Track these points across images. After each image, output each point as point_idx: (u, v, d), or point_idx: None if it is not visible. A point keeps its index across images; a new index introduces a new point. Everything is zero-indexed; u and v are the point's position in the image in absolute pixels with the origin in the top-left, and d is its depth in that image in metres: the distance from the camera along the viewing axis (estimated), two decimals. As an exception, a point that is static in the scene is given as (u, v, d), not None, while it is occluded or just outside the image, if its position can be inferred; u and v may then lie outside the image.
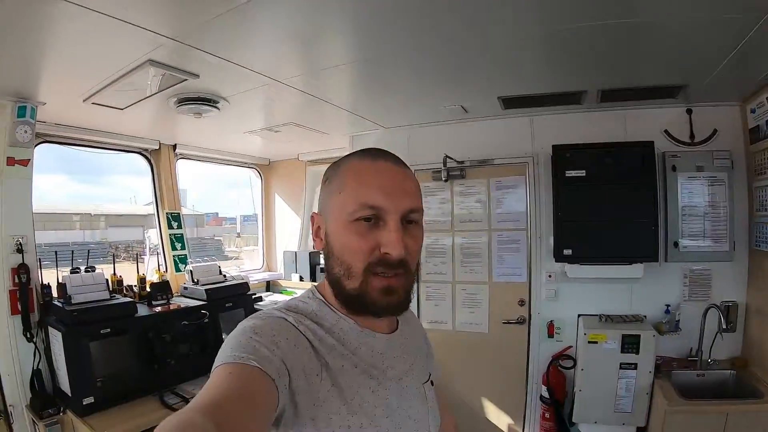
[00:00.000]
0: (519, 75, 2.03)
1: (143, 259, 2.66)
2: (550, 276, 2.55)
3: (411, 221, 0.66)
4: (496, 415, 2.73)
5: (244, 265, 3.90)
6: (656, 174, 2.33)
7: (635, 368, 2.23)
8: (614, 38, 1.60)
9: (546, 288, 2.56)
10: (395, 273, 0.64)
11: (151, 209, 2.86)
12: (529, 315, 2.61)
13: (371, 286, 0.64)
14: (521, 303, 2.62)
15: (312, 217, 0.72)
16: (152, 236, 2.87)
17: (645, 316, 2.42)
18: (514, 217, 2.61)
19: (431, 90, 2.22)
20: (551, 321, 2.57)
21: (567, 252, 2.35)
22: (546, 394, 2.53)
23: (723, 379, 2.30)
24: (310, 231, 0.73)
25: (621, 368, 2.24)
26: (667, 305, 2.42)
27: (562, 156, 2.39)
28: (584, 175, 2.34)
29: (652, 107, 2.47)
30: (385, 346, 0.71)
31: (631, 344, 2.23)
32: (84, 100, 2.03)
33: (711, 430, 1.93)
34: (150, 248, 2.86)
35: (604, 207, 2.32)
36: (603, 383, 2.26)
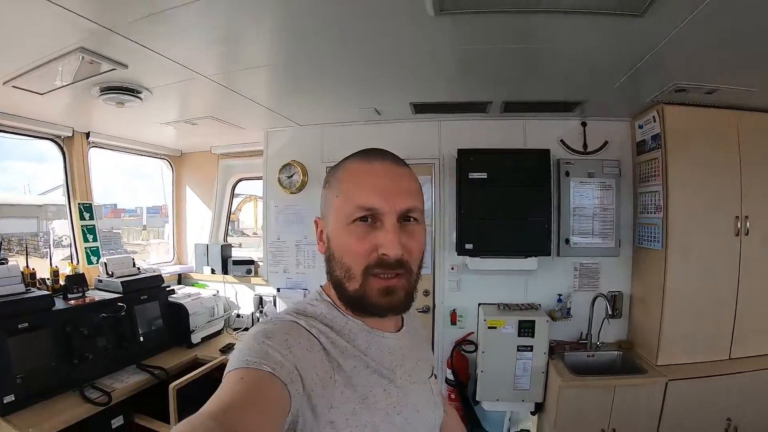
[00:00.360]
0: (430, 84, 2.41)
1: (45, 252, 2.88)
2: (452, 268, 3.03)
3: (410, 219, 0.73)
4: None
5: (149, 258, 4.14)
6: (551, 178, 2.83)
7: (531, 350, 2.74)
8: (519, 59, 2.00)
9: (449, 279, 3.05)
10: (395, 273, 0.71)
11: (47, 199, 3.01)
12: (434, 304, 3.11)
13: (370, 287, 0.71)
14: (426, 293, 3.10)
15: (315, 221, 0.81)
16: (56, 227, 3.09)
17: (540, 305, 2.95)
18: (421, 214, 3.05)
19: (347, 93, 2.56)
20: (454, 309, 3.07)
21: (468, 246, 2.82)
22: (451, 377, 3.02)
23: (611, 359, 2.89)
24: (315, 234, 0.82)
25: (518, 350, 2.75)
26: (560, 294, 2.98)
27: (467, 159, 2.82)
28: (486, 177, 2.79)
29: (550, 119, 2.97)
30: (394, 345, 0.80)
31: (526, 329, 2.74)
32: (5, 83, 2.13)
33: (601, 402, 2.50)
34: (54, 240, 3.07)
35: (503, 206, 2.79)
36: (503, 364, 2.76)
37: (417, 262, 0.76)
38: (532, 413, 2.88)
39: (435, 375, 0.93)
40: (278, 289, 3.30)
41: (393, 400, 0.74)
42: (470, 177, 2.80)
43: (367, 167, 0.74)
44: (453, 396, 3.05)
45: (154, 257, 4.12)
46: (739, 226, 2.60)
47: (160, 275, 3.01)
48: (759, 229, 2.62)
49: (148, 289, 2.85)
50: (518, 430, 3.04)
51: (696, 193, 2.59)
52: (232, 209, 4.06)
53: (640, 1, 1.44)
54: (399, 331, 0.84)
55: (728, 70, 2.10)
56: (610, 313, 2.79)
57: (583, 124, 2.98)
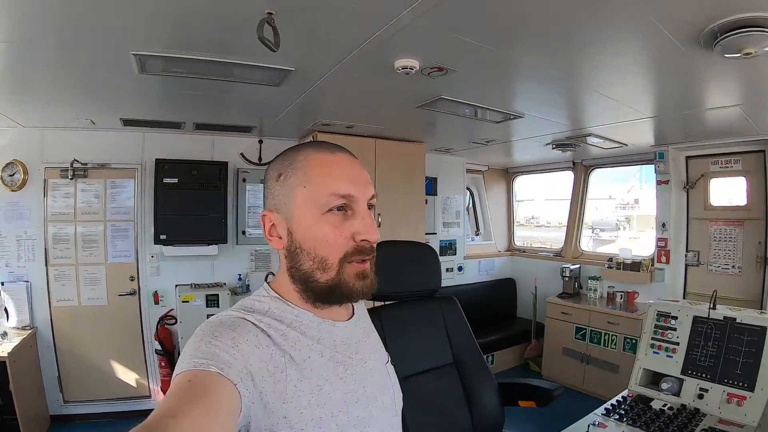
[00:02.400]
0: (137, 108, 4.03)
1: None
2: (152, 256, 5.02)
3: (371, 206, 1.04)
4: (124, 373, 4.95)
5: None
6: (228, 184, 5.07)
7: None
8: (207, 99, 3.64)
9: (150, 265, 5.03)
10: (367, 258, 1.01)
11: None
12: (139, 287, 4.95)
13: (347, 274, 0.99)
14: (132, 278, 5.01)
15: (263, 216, 1.06)
16: None
17: (225, 283, 5.12)
18: (124, 211, 4.99)
19: (66, 108, 3.95)
20: (156, 291, 4.99)
21: (162, 237, 4.85)
22: (159, 348, 4.94)
23: None
24: (262, 230, 1.07)
25: (208, 318, 4.87)
26: (239, 274, 5.22)
27: (162, 167, 4.88)
28: (176, 182, 4.90)
29: (234, 136, 5.22)
30: (347, 333, 1.10)
31: (212, 301, 4.82)
32: None
33: None
34: None
35: (190, 205, 4.89)
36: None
37: None
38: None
39: (390, 361, 1.24)
40: (2, 283, 4.51)
41: (350, 387, 1.01)
42: (164, 181, 4.86)
43: (334, 157, 1.03)
44: (163, 364, 4.95)
45: None
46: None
47: None
48: (387, 222, 5.15)
49: None
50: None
51: (339, 198, 5.01)
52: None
53: (276, 79, 3.04)
54: (351, 319, 1.14)
55: (355, 117, 4.43)
56: (280, 287, 5.12)
57: (260, 142, 5.33)
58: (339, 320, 1.09)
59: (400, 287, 2.74)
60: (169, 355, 4.97)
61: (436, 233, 6.52)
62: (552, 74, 3.11)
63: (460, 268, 7.11)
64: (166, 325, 5.06)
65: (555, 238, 8.45)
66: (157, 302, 5.09)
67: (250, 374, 0.85)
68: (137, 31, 2.38)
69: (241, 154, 5.27)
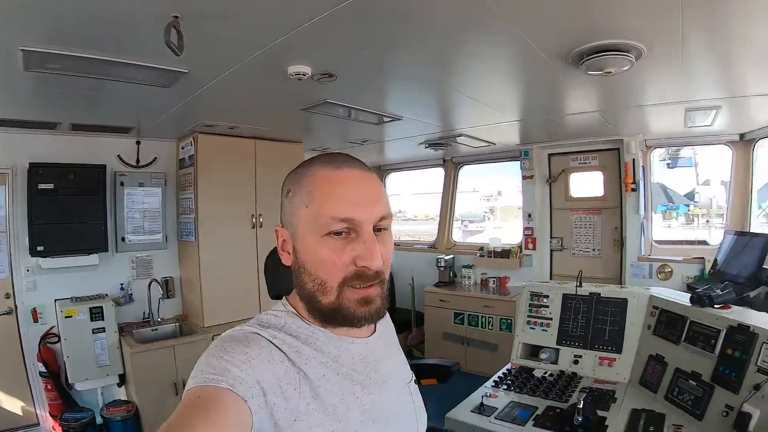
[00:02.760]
0: (7, 105, 3.73)
1: None
2: (28, 270, 4.81)
3: (381, 228, 0.99)
4: (7, 401, 4.51)
5: None
6: (106, 188, 4.99)
7: (104, 331, 4.72)
8: (87, 99, 3.55)
9: (26, 280, 4.77)
10: (371, 284, 0.97)
11: None
12: (15, 306, 4.54)
13: (346, 299, 0.96)
14: (7, 296, 4.70)
15: (276, 230, 1.06)
16: None
17: (107, 294, 5.03)
18: (-6, 223, 4.86)
19: None
20: (34, 308, 4.61)
21: (39, 248, 4.65)
22: (44, 369, 4.44)
23: (172, 329, 5.17)
24: (276, 245, 1.08)
25: (93, 333, 4.67)
26: (122, 284, 5.18)
27: (36, 172, 4.63)
28: (52, 187, 4.67)
29: (112, 138, 5.13)
30: (366, 350, 1.07)
31: (97, 314, 4.73)
32: None
33: (166, 361, 4.43)
34: None
35: (68, 212, 4.72)
36: (83, 347, 4.63)
37: (389, 270, 1.03)
38: (119, 385, 4.89)
39: (415, 380, 1.22)
40: None
41: (367, 407, 1.00)
42: (39, 187, 4.61)
43: (338, 175, 0.98)
44: (50, 386, 4.66)
45: None
46: (254, 221, 5.28)
47: None
48: (268, 222, 5.35)
49: None
50: (112, 401, 4.89)
51: (219, 198, 5.05)
52: None
53: (167, 80, 3.07)
54: (371, 336, 1.12)
55: (239, 118, 4.55)
56: (164, 294, 5.16)
57: (138, 143, 5.27)
58: (358, 337, 1.08)
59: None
60: (54, 376, 4.67)
61: (313, 231, 6.84)
62: (427, 79, 3.47)
63: (338, 264, 7.41)
64: (48, 345, 4.74)
65: (423, 231, 9.20)
66: (36, 320, 4.76)
67: (261, 390, 0.86)
68: (30, 27, 2.35)
69: (119, 156, 5.20)
